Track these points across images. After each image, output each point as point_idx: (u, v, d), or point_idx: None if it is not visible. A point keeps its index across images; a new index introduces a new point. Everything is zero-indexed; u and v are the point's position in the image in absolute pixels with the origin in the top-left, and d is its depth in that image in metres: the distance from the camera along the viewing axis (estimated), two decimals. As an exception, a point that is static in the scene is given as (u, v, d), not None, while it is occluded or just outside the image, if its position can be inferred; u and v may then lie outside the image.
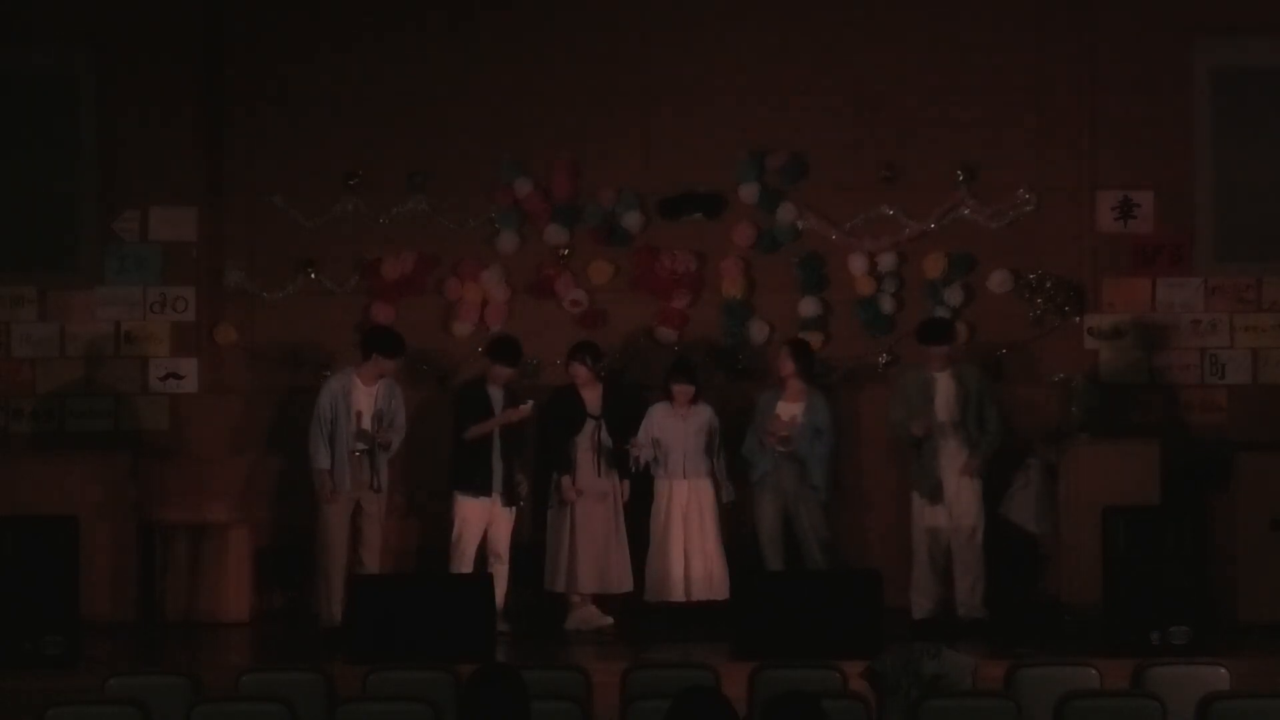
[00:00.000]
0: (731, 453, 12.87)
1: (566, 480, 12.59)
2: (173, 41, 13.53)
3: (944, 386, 12.48)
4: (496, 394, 12.62)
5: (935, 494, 12.39)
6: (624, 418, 12.78)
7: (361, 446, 12.28)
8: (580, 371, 12.71)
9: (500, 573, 12.47)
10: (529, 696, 6.80)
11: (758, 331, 13.58)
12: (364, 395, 12.39)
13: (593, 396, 12.76)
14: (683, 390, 12.74)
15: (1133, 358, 13.59)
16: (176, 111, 13.51)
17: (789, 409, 12.65)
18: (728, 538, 12.80)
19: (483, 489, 12.50)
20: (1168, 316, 13.59)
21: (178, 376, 13.54)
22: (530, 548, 12.84)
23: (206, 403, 13.54)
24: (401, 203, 13.64)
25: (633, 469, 12.66)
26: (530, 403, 12.56)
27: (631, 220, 13.62)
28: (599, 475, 12.67)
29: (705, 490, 12.71)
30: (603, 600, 12.74)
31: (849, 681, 9.06)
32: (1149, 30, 13.55)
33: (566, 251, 13.63)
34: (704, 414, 12.80)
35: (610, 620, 12.65)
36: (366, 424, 12.29)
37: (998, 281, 13.59)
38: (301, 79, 13.61)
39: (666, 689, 8.44)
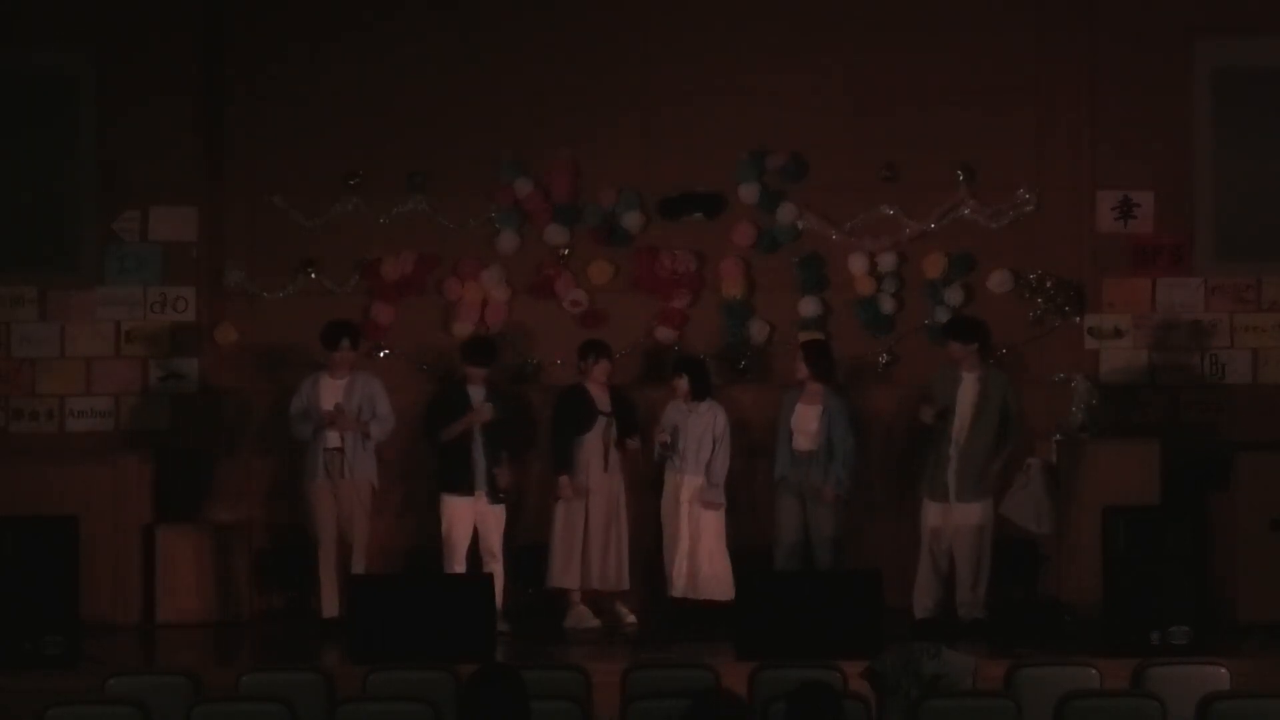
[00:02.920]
0: (743, 459, 12.93)
1: (564, 480, 12.59)
2: (172, 41, 13.52)
3: (968, 387, 12.43)
4: (477, 393, 12.64)
5: (940, 494, 12.38)
6: (628, 416, 12.81)
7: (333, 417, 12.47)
8: (594, 369, 12.72)
9: (496, 572, 12.46)
10: (529, 696, 6.81)
11: (758, 331, 13.57)
12: (332, 389, 12.52)
13: (602, 394, 12.76)
14: (677, 384, 12.75)
15: (1133, 358, 13.59)
16: (176, 111, 13.51)
17: (807, 411, 12.63)
18: (735, 539, 12.82)
19: (466, 488, 12.51)
20: (1168, 316, 13.60)
21: (178, 376, 13.53)
22: (531, 547, 12.84)
23: (206, 403, 13.53)
24: (401, 203, 13.63)
25: (656, 456, 12.70)
26: (489, 405, 12.55)
27: (631, 220, 13.61)
28: (605, 471, 12.68)
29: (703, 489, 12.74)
30: (601, 600, 12.75)
31: (849, 681, 9.06)
32: (1149, 30, 13.55)
33: (566, 251, 13.62)
34: (711, 414, 12.78)
35: (598, 623, 12.63)
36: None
37: (998, 281, 13.59)
38: (301, 79, 13.61)
39: (666, 689, 8.46)
